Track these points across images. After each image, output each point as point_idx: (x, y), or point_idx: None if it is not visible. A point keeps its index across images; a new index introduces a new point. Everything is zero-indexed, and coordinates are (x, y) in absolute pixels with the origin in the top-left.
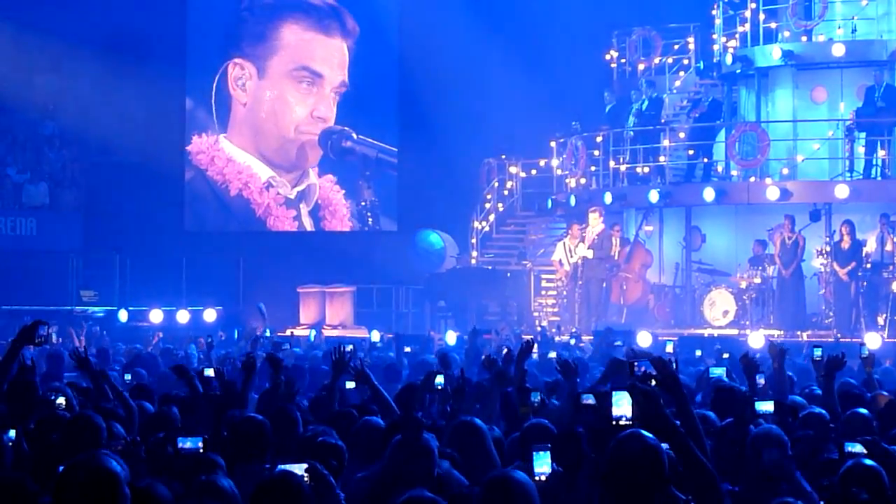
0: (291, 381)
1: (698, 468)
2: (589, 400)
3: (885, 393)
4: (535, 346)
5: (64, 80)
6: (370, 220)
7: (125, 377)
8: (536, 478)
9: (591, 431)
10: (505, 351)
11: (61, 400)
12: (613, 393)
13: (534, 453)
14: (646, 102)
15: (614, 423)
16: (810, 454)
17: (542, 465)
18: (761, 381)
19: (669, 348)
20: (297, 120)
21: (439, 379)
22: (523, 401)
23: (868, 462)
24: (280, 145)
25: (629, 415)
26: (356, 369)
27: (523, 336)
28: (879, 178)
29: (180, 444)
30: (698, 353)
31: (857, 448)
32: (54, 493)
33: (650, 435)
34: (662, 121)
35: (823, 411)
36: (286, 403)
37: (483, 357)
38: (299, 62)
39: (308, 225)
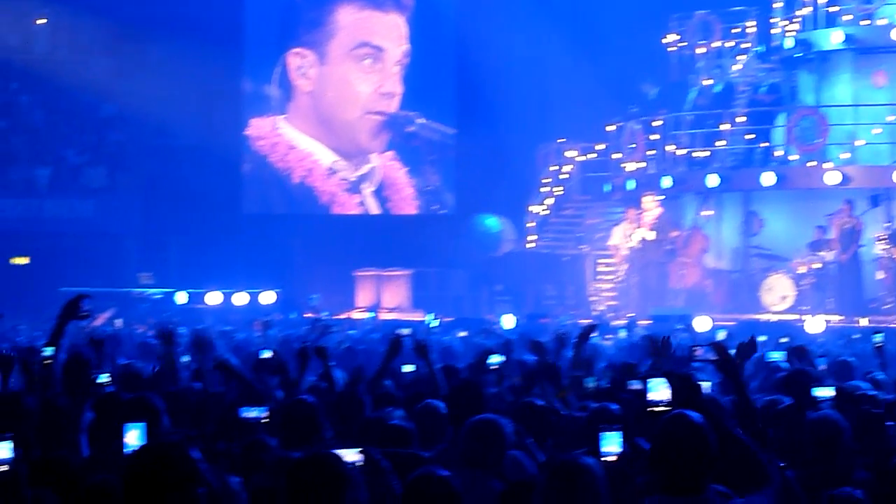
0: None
1: (741, 451)
2: (636, 385)
3: None
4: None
5: (122, 62)
6: (436, 206)
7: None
8: (603, 458)
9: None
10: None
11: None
12: (650, 379)
13: (601, 433)
14: (720, 86)
15: (651, 408)
16: (869, 440)
17: (611, 445)
18: (823, 366)
19: (722, 335)
20: (363, 99)
21: (494, 358)
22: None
23: None
24: (346, 131)
25: (666, 399)
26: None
27: (580, 321)
28: None
29: (244, 414)
30: (762, 338)
31: None
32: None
33: (696, 415)
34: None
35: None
36: (354, 388)
37: (531, 341)
38: (359, 39)
39: (374, 208)
